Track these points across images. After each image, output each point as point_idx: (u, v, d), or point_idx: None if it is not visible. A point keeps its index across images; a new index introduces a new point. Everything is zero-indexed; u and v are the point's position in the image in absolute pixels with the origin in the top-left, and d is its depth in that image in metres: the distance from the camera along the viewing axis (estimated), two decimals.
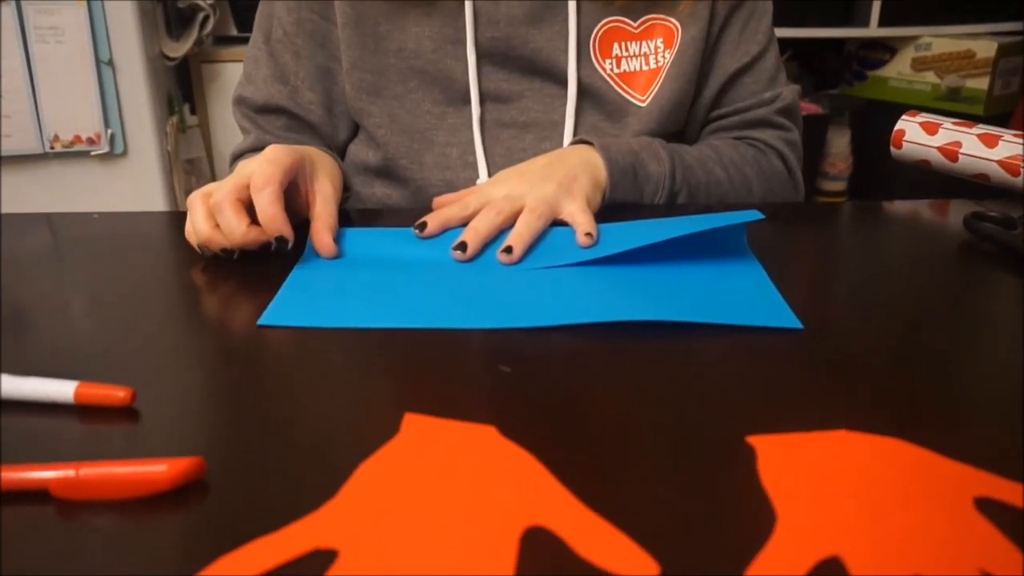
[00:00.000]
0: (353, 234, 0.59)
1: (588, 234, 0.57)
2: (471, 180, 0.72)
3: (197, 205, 0.55)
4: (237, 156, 0.77)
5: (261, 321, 0.47)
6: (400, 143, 0.73)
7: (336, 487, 0.33)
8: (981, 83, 1.84)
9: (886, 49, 1.98)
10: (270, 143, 0.76)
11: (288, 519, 0.31)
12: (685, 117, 0.77)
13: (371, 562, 0.29)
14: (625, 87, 0.74)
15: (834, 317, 0.50)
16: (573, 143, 0.70)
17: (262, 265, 0.56)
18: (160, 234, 0.66)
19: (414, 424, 0.37)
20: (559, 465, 0.34)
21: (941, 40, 1.88)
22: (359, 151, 0.77)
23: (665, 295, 0.50)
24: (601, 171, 0.66)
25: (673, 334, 0.46)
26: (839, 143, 2.05)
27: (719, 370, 0.43)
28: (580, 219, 0.59)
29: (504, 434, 0.36)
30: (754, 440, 0.36)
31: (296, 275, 0.53)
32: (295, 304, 0.49)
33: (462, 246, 0.56)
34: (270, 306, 0.48)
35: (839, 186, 2.08)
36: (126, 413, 0.38)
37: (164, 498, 0.33)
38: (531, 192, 0.60)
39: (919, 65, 1.92)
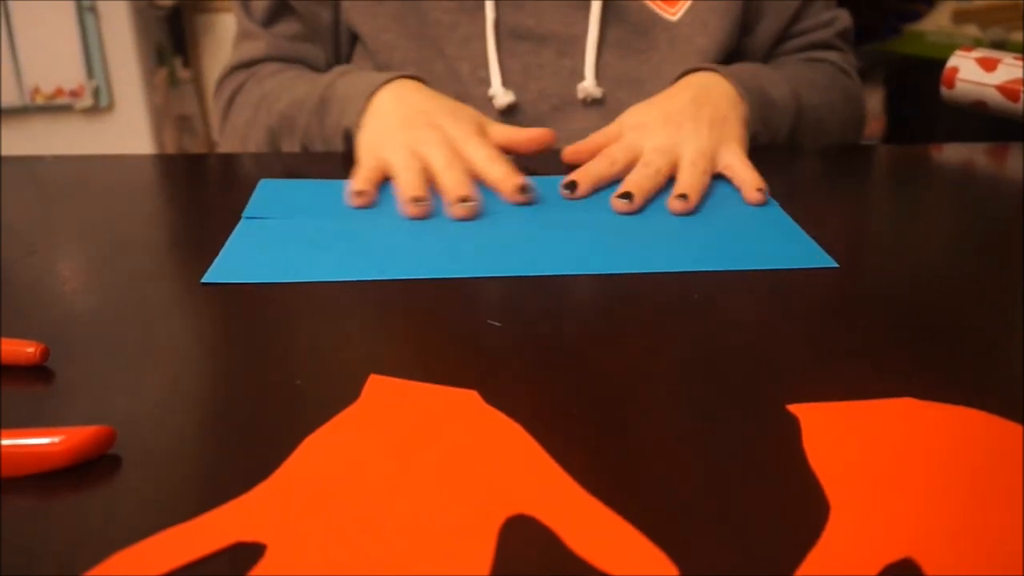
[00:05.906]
0: (305, 186, 0.54)
1: (760, 190, 0.50)
2: (483, 96, 0.67)
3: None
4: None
5: (206, 278, 0.40)
6: (409, 48, 0.67)
7: (277, 465, 0.27)
8: None
9: (924, 0, 1.87)
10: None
11: (215, 506, 0.25)
12: (737, 34, 0.69)
13: (304, 559, 0.23)
14: None
15: (894, 272, 0.44)
16: (689, 72, 0.61)
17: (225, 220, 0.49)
18: (115, 179, 0.60)
19: (379, 388, 0.31)
20: (553, 438, 0.28)
21: None
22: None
23: (681, 242, 0.45)
24: (742, 106, 0.58)
25: (693, 282, 0.41)
26: (872, 102, 1.96)
27: (751, 322, 0.37)
28: (744, 175, 0.52)
29: (488, 400, 0.30)
30: (797, 409, 0.30)
31: (244, 227, 0.47)
32: (245, 258, 0.43)
33: (627, 195, 0.49)
34: (216, 261, 0.42)
35: None
36: (37, 373, 0.33)
37: (64, 476, 0.27)
38: (686, 142, 0.53)
39: (960, 17, 1.82)
